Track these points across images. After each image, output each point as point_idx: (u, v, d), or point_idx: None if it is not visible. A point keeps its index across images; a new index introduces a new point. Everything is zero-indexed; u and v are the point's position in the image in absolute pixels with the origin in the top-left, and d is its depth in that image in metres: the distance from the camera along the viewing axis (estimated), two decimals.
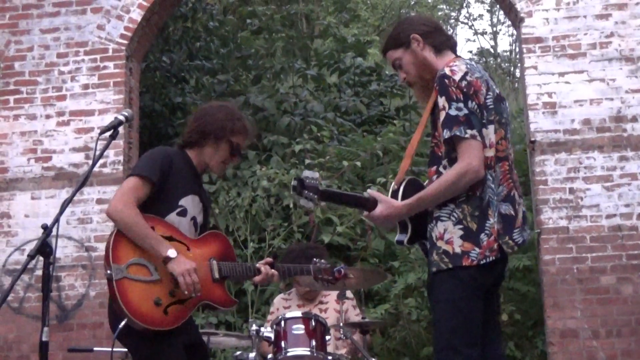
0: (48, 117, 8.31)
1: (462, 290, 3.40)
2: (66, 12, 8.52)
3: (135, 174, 4.00)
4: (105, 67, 8.34)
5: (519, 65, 9.47)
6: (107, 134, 3.73)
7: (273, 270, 4.29)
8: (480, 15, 29.11)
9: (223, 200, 9.08)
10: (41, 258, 3.33)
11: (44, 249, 3.29)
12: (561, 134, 7.66)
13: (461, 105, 3.42)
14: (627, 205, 7.46)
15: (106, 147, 3.73)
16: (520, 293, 8.52)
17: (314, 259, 5.35)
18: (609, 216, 7.47)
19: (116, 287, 3.75)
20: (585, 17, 7.88)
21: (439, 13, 28.34)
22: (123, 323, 3.75)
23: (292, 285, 6.26)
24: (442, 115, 3.44)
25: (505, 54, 27.20)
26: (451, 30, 30.49)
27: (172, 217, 4.05)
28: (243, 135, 4.26)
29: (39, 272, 7.59)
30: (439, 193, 3.44)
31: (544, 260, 7.47)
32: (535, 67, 7.81)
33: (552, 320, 7.34)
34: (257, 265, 4.27)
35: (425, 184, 3.68)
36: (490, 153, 3.49)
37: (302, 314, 5.10)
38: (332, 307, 5.96)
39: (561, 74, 7.76)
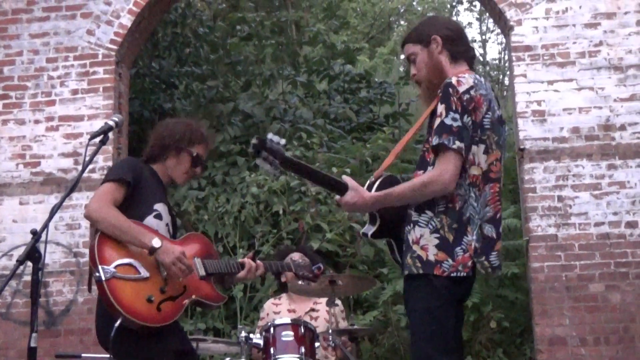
0: (37, 122, 8.29)
1: (437, 299, 3.39)
2: (56, 17, 8.51)
3: (109, 179, 4.09)
4: (94, 73, 8.33)
5: (508, 73, 9.48)
6: (97, 139, 3.73)
7: (257, 262, 4.41)
8: (470, 24, 29.20)
9: (212, 206, 9.08)
10: (30, 264, 3.32)
11: (33, 254, 3.28)
12: (550, 142, 7.68)
13: (457, 116, 3.41)
14: (615, 214, 7.48)
15: (95, 153, 3.74)
16: (508, 300, 8.53)
17: (291, 256, 5.47)
18: (597, 224, 7.49)
19: (107, 287, 3.76)
20: (574, 25, 7.92)
21: None
22: (118, 323, 3.75)
23: (281, 291, 6.26)
24: (437, 121, 3.44)
25: (494, 62, 27.29)
26: None
27: (150, 220, 4.12)
28: (203, 145, 4.41)
29: (27, 278, 7.58)
30: (404, 194, 3.44)
31: (532, 267, 7.48)
32: (524, 75, 7.84)
33: (540, 327, 7.35)
34: (241, 260, 4.38)
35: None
36: (476, 172, 3.47)
37: (291, 320, 5.11)
38: (323, 315, 5.95)
39: (550, 82, 7.79)
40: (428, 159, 3.55)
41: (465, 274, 3.42)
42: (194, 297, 4.08)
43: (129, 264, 3.90)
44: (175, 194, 9.62)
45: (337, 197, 3.55)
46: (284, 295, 6.22)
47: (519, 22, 7.97)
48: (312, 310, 6.02)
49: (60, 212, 7.77)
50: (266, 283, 8.53)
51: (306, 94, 13.98)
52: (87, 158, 3.74)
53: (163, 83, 12.39)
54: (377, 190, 3.56)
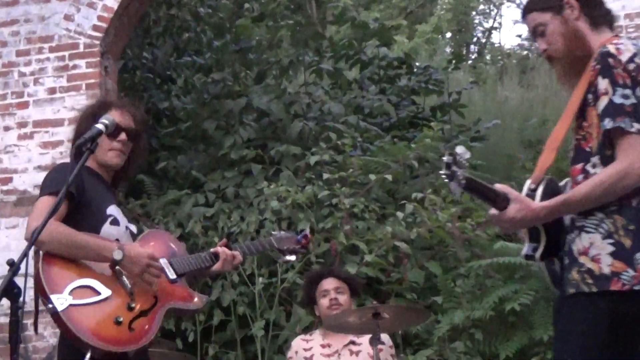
0: (7, 129, 8.35)
1: (601, 324, 3.29)
2: (26, 1, 8.56)
3: (46, 192, 4.16)
4: (75, 67, 8.38)
5: None
6: (83, 148, 3.72)
7: (232, 251, 4.51)
8: None
9: (224, 226, 9.06)
10: (6, 302, 3.31)
11: (11, 290, 3.27)
12: None
13: (628, 92, 3.33)
14: None
15: (83, 164, 3.72)
16: None
17: (322, 283, 5.49)
18: None
19: (65, 319, 3.82)
20: None
21: None
22: (88, 357, 3.80)
23: (312, 327, 6.26)
24: (604, 101, 3.35)
25: None
26: (495, 11, 30.53)
27: (107, 229, 4.23)
28: (112, 110, 4.41)
29: (3, 319, 7.59)
30: (590, 197, 3.34)
31: None
32: None
33: None
34: (213, 250, 4.50)
35: (562, 184, 3.63)
36: None
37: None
38: (366, 350, 5.93)
39: None
40: (588, 149, 3.47)
41: None
42: (168, 305, 4.19)
43: (85, 286, 3.97)
44: (178, 213, 9.62)
45: (493, 211, 3.48)
46: (316, 331, 6.21)
47: None
48: (352, 343, 6.01)
49: None
50: (292, 319, 8.49)
51: (333, 85, 13.95)
52: (75, 171, 3.71)
53: (158, 77, 12.43)
54: (542, 198, 3.48)
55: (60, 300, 3.85)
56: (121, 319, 3.94)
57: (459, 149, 3.33)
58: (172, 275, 4.27)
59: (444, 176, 3.33)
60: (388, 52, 14.44)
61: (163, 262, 4.27)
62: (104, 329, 3.88)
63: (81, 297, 3.91)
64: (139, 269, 4.04)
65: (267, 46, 13.08)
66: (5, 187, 8.23)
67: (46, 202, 4.09)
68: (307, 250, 5.07)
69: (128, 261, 4.02)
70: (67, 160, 4.08)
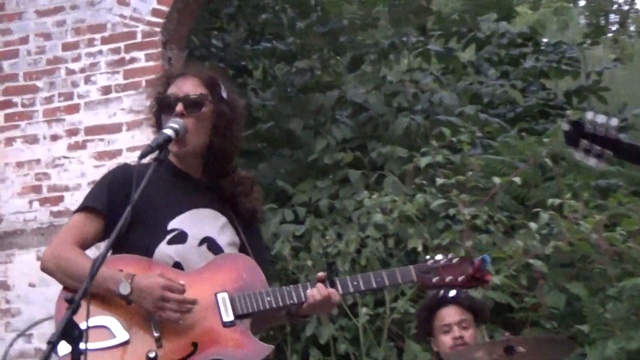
0: (55, 138, 8.43)
1: None
2: None
3: (77, 209, 4.12)
4: (133, 60, 8.44)
5: None
6: (150, 156, 3.73)
7: (328, 289, 4.03)
8: None
9: (317, 246, 9.06)
10: (66, 345, 3.31)
11: (71, 332, 3.27)
12: None
13: None
14: None
15: (151, 175, 3.71)
16: None
17: (439, 313, 5.36)
18: None
19: None
20: None
21: None
22: None
23: None
24: None
25: None
26: None
27: (163, 249, 4.01)
28: (159, 83, 4.31)
29: None
30: None
31: None
32: None
33: None
34: (306, 285, 4.06)
35: None
36: None
37: None
38: None
39: None
40: None
41: None
42: (211, 356, 3.86)
43: (100, 326, 3.83)
44: (262, 232, 9.67)
45: None
46: None
47: None
48: None
49: None
50: (405, 357, 8.47)
51: (444, 69, 13.92)
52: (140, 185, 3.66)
53: (230, 68, 12.50)
54: None
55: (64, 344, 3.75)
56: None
57: (589, 114, 3.26)
58: (227, 316, 3.94)
59: (575, 152, 3.25)
60: (509, 27, 14.37)
61: (221, 297, 3.97)
62: None
63: (95, 340, 3.73)
64: (150, 304, 3.78)
65: (362, 26, 13.06)
66: (55, 208, 8.30)
67: (72, 221, 4.10)
68: (481, 282, 4.18)
69: (137, 295, 3.79)
70: (135, 172, 3.80)
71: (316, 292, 3.99)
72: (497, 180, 9.48)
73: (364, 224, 9.25)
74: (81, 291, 3.29)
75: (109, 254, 3.63)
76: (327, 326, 8.56)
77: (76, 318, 3.42)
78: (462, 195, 9.00)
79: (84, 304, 3.30)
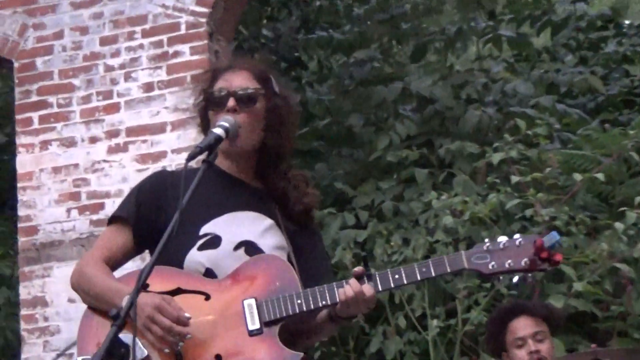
0: (94, 140, 8.47)
1: None
2: None
3: (108, 221, 4.19)
4: (176, 54, 8.48)
5: None
6: (199, 158, 3.73)
7: (364, 284, 3.86)
8: None
9: (382, 253, 9.05)
10: None
11: (117, 350, 3.29)
12: None
13: None
14: None
15: (200, 178, 3.72)
16: None
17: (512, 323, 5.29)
18: None
19: None
20: None
21: None
22: None
23: None
24: None
25: None
26: None
27: (193, 256, 4.00)
28: (216, 82, 4.22)
29: None
30: None
31: None
32: None
33: None
34: (340, 283, 3.91)
35: None
36: None
37: None
38: None
39: None
40: None
41: None
42: None
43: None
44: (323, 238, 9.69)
45: None
46: None
47: None
48: None
49: None
50: None
51: (517, 57, 13.86)
52: (192, 187, 3.68)
53: (283, 60, 12.53)
54: None
55: None
56: None
57: None
58: (252, 324, 3.88)
59: None
60: (587, 8, 14.28)
61: (247, 304, 3.91)
62: None
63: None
64: (140, 322, 3.72)
65: (425, 11, 13.05)
66: (95, 217, 8.32)
67: (103, 235, 4.18)
68: (550, 264, 3.92)
69: (134, 314, 3.66)
70: (182, 174, 3.76)
71: (348, 289, 3.85)
72: (577, 177, 9.42)
73: (432, 227, 9.22)
74: (126, 307, 3.31)
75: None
76: (394, 340, 8.54)
77: (94, 335, 3.76)
78: (540, 194, 8.95)
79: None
